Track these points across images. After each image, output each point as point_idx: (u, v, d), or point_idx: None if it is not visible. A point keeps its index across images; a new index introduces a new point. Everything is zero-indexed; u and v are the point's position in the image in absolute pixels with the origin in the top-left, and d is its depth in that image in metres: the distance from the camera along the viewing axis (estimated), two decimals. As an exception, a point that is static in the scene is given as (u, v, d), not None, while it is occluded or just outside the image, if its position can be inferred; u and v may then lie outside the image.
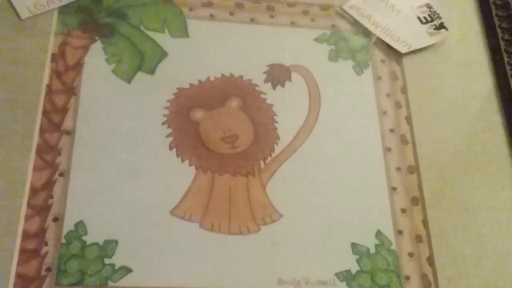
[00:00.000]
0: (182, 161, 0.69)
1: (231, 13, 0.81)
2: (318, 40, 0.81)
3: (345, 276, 0.65)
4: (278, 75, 0.77)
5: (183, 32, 0.78)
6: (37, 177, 0.65)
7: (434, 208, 0.70)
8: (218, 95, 0.74)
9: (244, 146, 0.71)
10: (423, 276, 0.66)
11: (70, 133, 0.68)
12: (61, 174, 0.66)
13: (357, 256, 0.66)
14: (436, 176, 0.72)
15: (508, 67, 0.80)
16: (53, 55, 0.73)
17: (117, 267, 0.62)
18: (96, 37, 0.75)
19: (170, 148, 0.69)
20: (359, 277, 0.65)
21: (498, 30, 0.83)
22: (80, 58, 0.73)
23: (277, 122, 0.74)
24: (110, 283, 0.61)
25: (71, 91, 0.71)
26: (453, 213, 0.70)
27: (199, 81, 0.75)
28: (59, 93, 0.71)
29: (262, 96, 0.75)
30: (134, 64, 0.74)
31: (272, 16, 0.82)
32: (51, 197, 0.64)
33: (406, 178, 0.72)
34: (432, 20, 0.84)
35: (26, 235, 0.62)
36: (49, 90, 0.70)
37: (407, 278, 0.66)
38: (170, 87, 0.74)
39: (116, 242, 0.63)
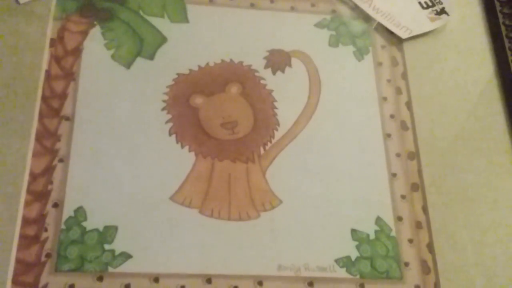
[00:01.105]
0: (182, 147, 0.69)
1: (231, -2, 0.80)
2: (318, 25, 0.81)
3: (345, 262, 0.65)
4: (278, 60, 0.77)
5: (183, 17, 0.78)
6: (36, 163, 0.65)
7: (434, 194, 0.70)
8: (218, 80, 0.74)
9: (243, 132, 0.71)
10: (423, 262, 0.66)
11: (70, 119, 0.68)
12: (60, 160, 0.66)
13: (356, 242, 0.66)
14: (436, 162, 0.72)
15: (509, 53, 0.80)
16: (52, 40, 0.72)
17: (117, 253, 0.62)
18: (95, 22, 0.75)
19: (170, 134, 0.69)
20: (358, 263, 0.65)
21: (499, 16, 0.82)
22: (79, 43, 0.73)
23: (277, 108, 0.73)
24: (110, 269, 0.61)
25: (70, 76, 0.71)
26: (453, 200, 0.70)
27: (199, 66, 0.74)
28: (58, 78, 0.70)
29: (262, 81, 0.75)
30: (133, 50, 0.74)
31: (272, 1, 0.81)
32: (51, 183, 0.64)
33: (406, 164, 0.72)
34: (433, 5, 0.83)
35: (25, 221, 0.62)
36: (48, 76, 0.70)
37: (407, 264, 0.66)
38: (170, 73, 0.73)
39: (116, 228, 0.63)
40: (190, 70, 0.74)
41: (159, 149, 0.68)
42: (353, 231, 0.67)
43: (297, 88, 0.75)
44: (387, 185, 0.70)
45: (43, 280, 0.60)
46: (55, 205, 0.63)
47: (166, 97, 0.71)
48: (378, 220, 0.68)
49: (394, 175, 0.71)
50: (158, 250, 0.63)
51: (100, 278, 0.61)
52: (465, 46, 0.82)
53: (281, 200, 0.68)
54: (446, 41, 0.82)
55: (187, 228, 0.64)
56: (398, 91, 0.77)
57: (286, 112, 0.73)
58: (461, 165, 0.72)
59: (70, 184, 0.65)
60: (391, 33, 0.81)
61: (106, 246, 0.62)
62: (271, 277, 0.63)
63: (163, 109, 0.71)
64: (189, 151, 0.69)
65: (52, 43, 0.72)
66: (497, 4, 0.83)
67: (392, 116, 0.75)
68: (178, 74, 0.73)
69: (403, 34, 0.80)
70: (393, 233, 0.68)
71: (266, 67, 0.76)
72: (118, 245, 0.62)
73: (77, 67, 0.72)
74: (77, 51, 0.73)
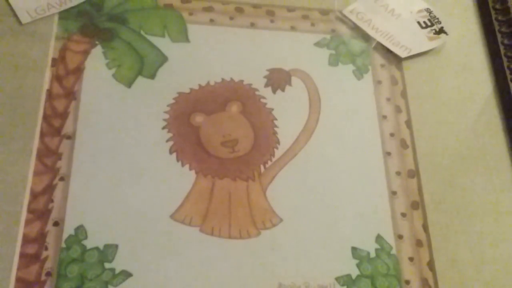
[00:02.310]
0: (182, 165, 0.69)
1: (231, 18, 0.81)
2: (318, 44, 0.81)
3: (346, 280, 0.65)
4: (278, 79, 0.77)
5: (183, 37, 0.78)
6: (37, 182, 0.65)
7: (434, 212, 0.70)
8: (218, 99, 0.74)
9: (244, 150, 0.71)
10: (424, 281, 0.66)
11: (71, 137, 0.68)
12: (61, 179, 0.66)
13: (357, 261, 0.66)
14: (436, 180, 0.72)
15: (507, 72, 0.80)
16: (53, 59, 0.73)
17: (117, 271, 0.62)
18: (97, 42, 0.75)
19: (170, 153, 0.70)
20: (359, 282, 0.65)
21: (498, 35, 0.83)
22: (80, 63, 0.73)
23: (277, 127, 0.74)
24: (110, 288, 0.61)
25: (72, 95, 0.71)
26: (454, 217, 0.70)
27: (199, 85, 0.75)
28: (59, 97, 0.71)
29: (262, 100, 0.75)
30: (134, 69, 0.74)
31: (272, 21, 0.82)
32: (52, 201, 0.64)
33: (406, 182, 0.72)
34: (432, 25, 0.84)
35: (26, 240, 0.62)
36: (50, 95, 0.71)
37: (407, 282, 0.66)
38: (170, 92, 0.74)
39: (116, 246, 0.63)
40: (191, 89, 0.74)
41: (159, 168, 0.68)
42: (354, 249, 0.67)
43: (297, 107, 0.76)
44: (387, 203, 0.70)
45: (43, 299, 0.60)
46: (56, 223, 0.63)
47: (166, 116, 0.72)
48: (379, 238, 0.68)
49: (394, 193, 0.71)
50: (159, 268, 0.63)
51: (100, 297, 0.61)
52: (464, 65, 0.82)
53: (282, 218, 0.68)
54: (445, 60, 0.82)
55: (187, 247, 0.64)
56: (398, 109, 0.77)
57: (286, 130, 0.73)
58: (461, 183, 0.72)
59: (70, 203, 0.65)
60: (391, 52, 0.82)
61: (107, 265, 0.62)
62: (271, 295, 0.63)
63: (163, 127, 0.71)
64: (190, 169, 0.69)
65: (54, 62, 0.73)
66: (495, 23, 0.84)
67: (392, 135, 0.75)
68: (178, 93, 0.74)
69: (402, 53, 0.81)
70: (393, 251, 0.68)
71: (266, 85, 0.76)
72: (119, 263, 0.62)
73: (78, 86, 0.72)
74: (78, 71, 0.73)
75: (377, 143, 0.74)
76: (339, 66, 0.80)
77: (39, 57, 0.72)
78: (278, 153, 0.72)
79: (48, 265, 0.61)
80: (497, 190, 0.73)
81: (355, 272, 0.66)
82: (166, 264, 0.63)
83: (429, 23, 0.84)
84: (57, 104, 0.70)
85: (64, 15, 0.76)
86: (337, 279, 0.65)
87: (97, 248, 0.63)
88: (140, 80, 0.74)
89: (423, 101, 0.78)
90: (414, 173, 0.73)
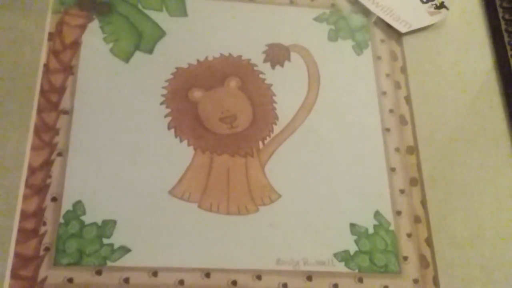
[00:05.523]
0: (181, 141, 0.69)
1: (230, -8, 0.80)
2: (317, 19, 0.80)
3: (344, 256, 0.65)
4: (277, 55, 0.77)
5: (182, 11, 0.77)
6: (35, 157, 0.65)
7: (433, 188, 0.70)
8: (217, 75, 0.74)
9: (242, 126, 0.71)
10: (421, 257, 0.67)
11: (68, 112, 0.68)
12: (59, 154, 0.66)
13: (355, 237, 0.66)
14: (435, 156, 0.72)
15: (508, 47, 0.79)
16: (50, 34, 0.72)
17: (115, 247, 0.62)
18: (94, 16, 0.75)
19: (169, 128, 0.69)
20: (357, 258, 0.65)
21: (499, 10, 0.82)
22: (77, 37, 0.73)
23: (276, 102, 0.73)
24: (109, 263, 0.61)
25: (69, 70, 0.71)
26: (452, 194, 0.70)
27: (198, 60, 0.74)
28: (56, 72, 0.70)
29: (261, 76, 0.75)
30: (132, 43, 0.74)
31: (271, -5, 0.81)
32: (49, 176, 0.64)
33: (405, 158, 0.72)
34: (433, 0, 0.83)
35: (24, 215, 0.62)
36: (47, 70, 0.70)
37: (405, 258, 0.66)
38: (169, 67, 0.73)
39: (114, 222, 0.63)
40: (189, 64, 0.74)
41: (157, 143, 0.68)
42: (352, 225, 0.67)
43: (296, 83, 0.75)
44: (386, 180, 0.70)
45: (42, 274, 0.60)
46: (54, 199, 0.63)
47: (165, 91, 0.71)
48: (377, 215, 0.68)
49: (393, 169, 0.71)
50: (157, 244, 0.63)
51: (99, 272, 0.61)
52: (464, 40, 0.82)
53: (280, 194, 0.68)
54: (445, 36, 0.82)
55: (185, 222, 0.64)
56: (397, 85, 0.77)
57: (285, 106, 0.73)
58: (460, 160, 0.72)
59: (68, 178, 0.65)
60: (391, 27, 0.81)
61: (105, 240, 0.62)
62: (269, 271, 0.63)
63: (162, 103, 0.71)
64: (188, 145, 0.69)
65: (51, 37, 0.72)
66: (496, -2, 0.84)
67: (391, 111, 0.75)
68: (177, 68, 0.73)
69: (402, 28, 0.80)
70: (391, 228, 0.68)
71: (265, 61, 0.76)
72: (117, 239, 0.62)
73: (75, 61, 0.71)
74: (75, 45, 0.72)
75: (376, 119, 0.74)
76: (338, 42, 0.79)
77: (35, 32, 0.71)
78: (277, 129, 0.71)
79: (46, 240, 0.61)
80: (496, 167, 0.73)
81: (353, 248, 0.66)
82: (165, 239, 0.63)
83: (429, -2, 0.83)
84: (54, 79, 0.70)
85: (61, -12, 0.75)
86: (335, 255, 0.65)
87: (95, 224, 0.63)
88: (138, 54, 0.73)
89: (423, 77, 0.77)
90: (413, 150, 0.73)
